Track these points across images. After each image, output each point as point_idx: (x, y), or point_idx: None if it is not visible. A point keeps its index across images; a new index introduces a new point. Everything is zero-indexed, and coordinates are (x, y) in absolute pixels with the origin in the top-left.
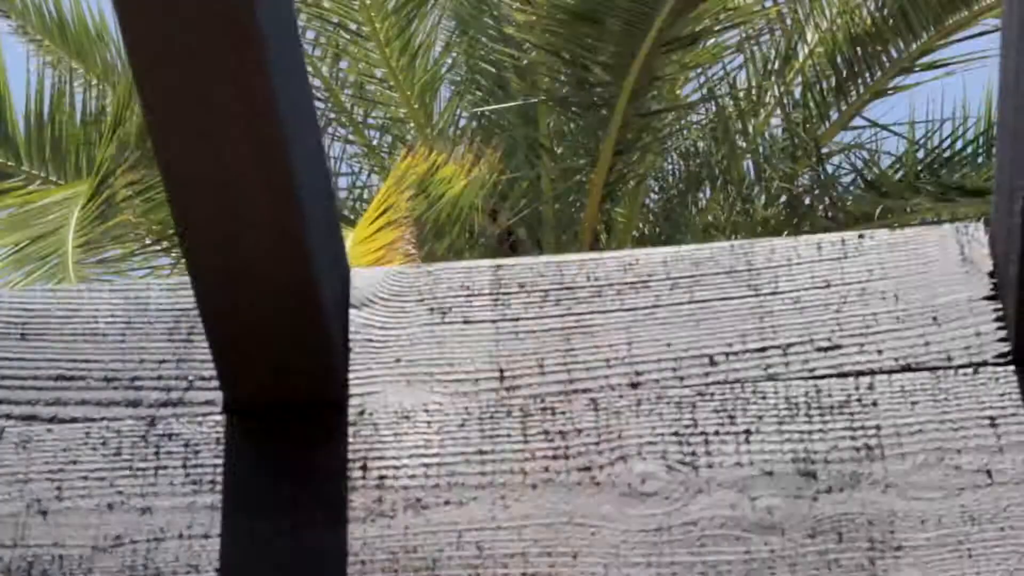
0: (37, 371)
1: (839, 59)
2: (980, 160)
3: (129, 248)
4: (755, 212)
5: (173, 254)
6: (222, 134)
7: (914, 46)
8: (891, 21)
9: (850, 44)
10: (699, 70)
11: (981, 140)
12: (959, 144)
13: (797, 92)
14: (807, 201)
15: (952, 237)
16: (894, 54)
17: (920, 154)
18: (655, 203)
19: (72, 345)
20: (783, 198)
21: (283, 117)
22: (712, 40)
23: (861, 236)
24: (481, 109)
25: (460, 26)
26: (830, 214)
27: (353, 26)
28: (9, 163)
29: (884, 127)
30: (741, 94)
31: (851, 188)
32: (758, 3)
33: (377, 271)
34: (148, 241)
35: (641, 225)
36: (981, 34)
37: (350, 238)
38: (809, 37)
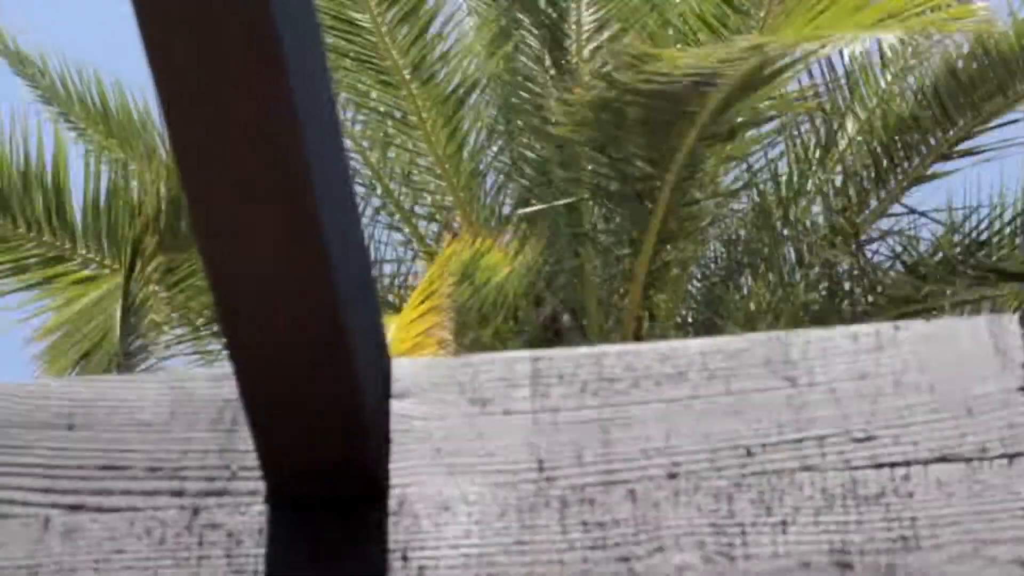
0: (83, 461)
1: (878, 147)
2: (1018, 242)
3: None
4: (796, 297)
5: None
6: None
7: (951, 133)
8: (929, 110)
9: (888, 132)
10: (741, 160)
11: (1019, 221)
12: (996, 226)
13: (837, 179)
14: (847, 286)
15: (985, 328)
16: (932, 142)
17: (958, 237)
18: (697, 289)
19: (118, 435)
20: (823, 283)
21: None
22: (753, 131)
23: (896, 328)
24: (525, 210)
25: (505, 118)
26: (870, 298)
27: (400, 115)
28: (66, 246)
29: (922, 213)
30: (782, 182)
31: (890, 272)
32: (799, 94)
33: (418, 362)
34: (200, 323)
35: (683, 311)
36: (1015, 121)
37: (393, 325)
38: (849, 126)
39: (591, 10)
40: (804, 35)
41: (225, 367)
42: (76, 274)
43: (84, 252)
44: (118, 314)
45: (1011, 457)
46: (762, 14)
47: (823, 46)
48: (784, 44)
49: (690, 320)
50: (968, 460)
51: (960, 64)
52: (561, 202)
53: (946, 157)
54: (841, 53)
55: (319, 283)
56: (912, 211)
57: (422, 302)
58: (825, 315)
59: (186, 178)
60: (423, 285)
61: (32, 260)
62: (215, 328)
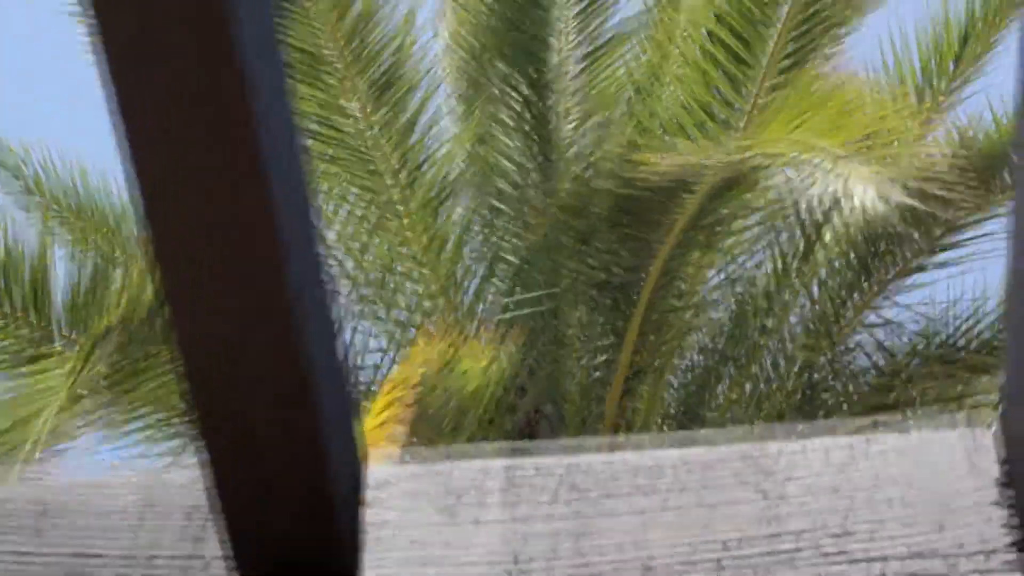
0: (53, 560)
1: (857, 252)
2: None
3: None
4: (772, 402)
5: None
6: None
7: (933, 231)
8: (906, 208)
9: (867, 238)
10: (723, 259)
11: (998, 323)
12: (977, 329)
13: (815, 286)
14: (823, 392)
15: (959, 442)
16: (913, 240)
17: (938, 340)
18: (675, 393)
19: (88, 534)
20: (799, 389)
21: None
22: (734, 235)
23: (869, 440)
24: (507, 300)
25: (487, 215)
26: (844, 405)
27: (381, 213)
28: (50, 330)
29: (907, 307)
30: (761, 286)
31: (867, 376)
32: (779, 202)
33: (391, 463)
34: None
35: (660, 414)
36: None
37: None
38: (827, 233)
39: (573, 114)
40: (779, 148)
41: (195, 467)
42: (57, 360)
43: (65, 340)
44: (57, 401)
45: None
46: (742, 123)
47: (796, 160)
48: (760, 153)
49: (667, 423)
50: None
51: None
52: (540, 295)
53: (928, 255)
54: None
55: (292, 380)
56: (888, 323)
57: (388, 403)
58: (800, 420)
59: (152, 225)
60: (390, 383)
61: (13, 346)
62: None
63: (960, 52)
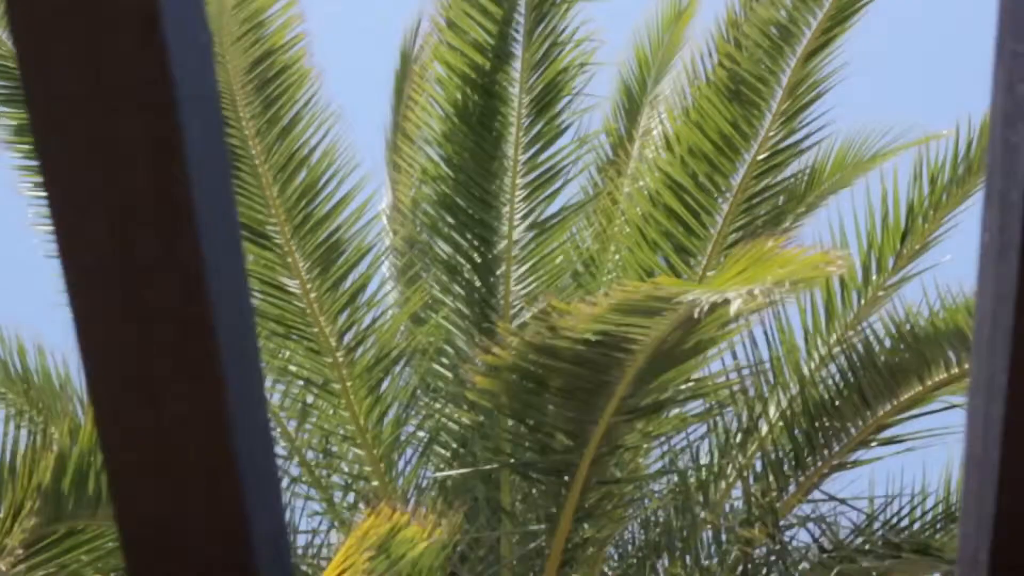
0: None
1: (798, 433)
2: (938, 535)
3: None
4: None
5: None
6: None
7: (871, 421)
8: (846, 397)
9: (809, 418)
10: (662, 439)
11: (940, 509)
12: (917, 514)
13: (758, 463)
14: (764, 571)
15: None
16: (852, 429)
17: (879, 523)
18: (614, 568)
19: None
20: (740, 567)
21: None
22: (676, 410)
23: None
24: (444, 474)
25: (427, 388)
26: None
27: (322, 383)
28: None
29: (842, 500)
30: (703, 463)
31: (808, 556)
32: (721, 375)
33: None
34: None
35: None
36: (940, 410)
37: None
38: (771, 410)
39: (519, 286)
40: (706, 286)
41: None
42: None
43: None
44: None
45: None
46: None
47: (724, 297)
48: (685, 290)
49: None
50: None
51: (882, 357)
52: (478, 468)
53: (866, 444)
54: (767, 337)
55: (232, 551)
56: (832, 498)
57: None
58: None
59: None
60: (337, 560)
61: None
62: None
63: (899, 247)
